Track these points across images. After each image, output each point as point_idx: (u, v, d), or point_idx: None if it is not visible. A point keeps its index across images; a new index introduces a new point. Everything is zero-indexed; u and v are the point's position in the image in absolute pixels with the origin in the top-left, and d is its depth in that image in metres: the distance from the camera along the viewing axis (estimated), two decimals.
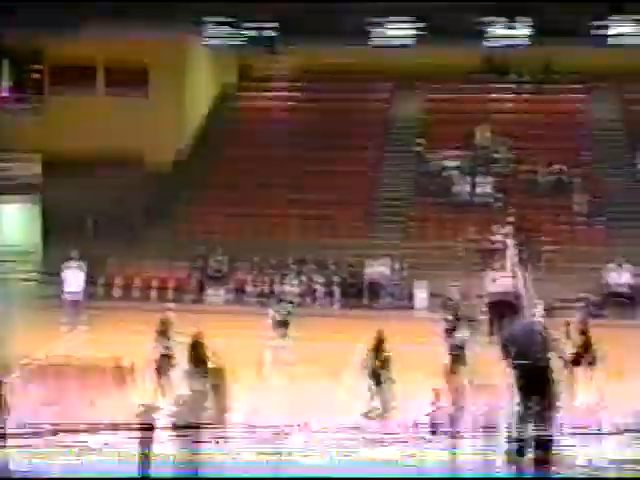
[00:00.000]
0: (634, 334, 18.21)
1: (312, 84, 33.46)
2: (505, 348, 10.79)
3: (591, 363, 14.11)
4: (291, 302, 19.38)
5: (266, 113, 33.08)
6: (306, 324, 18.00)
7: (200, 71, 32.91)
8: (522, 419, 10.23)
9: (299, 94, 34.19)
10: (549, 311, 15.35)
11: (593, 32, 29.09)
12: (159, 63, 30.34)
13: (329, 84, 32.59)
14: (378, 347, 13.80)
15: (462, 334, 14.77)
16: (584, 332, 14.37)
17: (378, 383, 13.53)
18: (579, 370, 13.80)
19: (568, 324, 14.29)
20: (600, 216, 26.84)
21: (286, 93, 34.45)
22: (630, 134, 30.50)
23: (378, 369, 13.58)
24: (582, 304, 22.64)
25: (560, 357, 10.67)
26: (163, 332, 14.74)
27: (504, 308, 18.04)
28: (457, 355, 14.53)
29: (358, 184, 29.19)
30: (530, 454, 9.89)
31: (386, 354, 13.74)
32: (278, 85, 34.60)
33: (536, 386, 10.39)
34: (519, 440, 10.08)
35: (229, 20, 30.28)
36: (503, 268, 19.77)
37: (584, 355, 14.07)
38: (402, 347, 14.63)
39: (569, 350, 13.31)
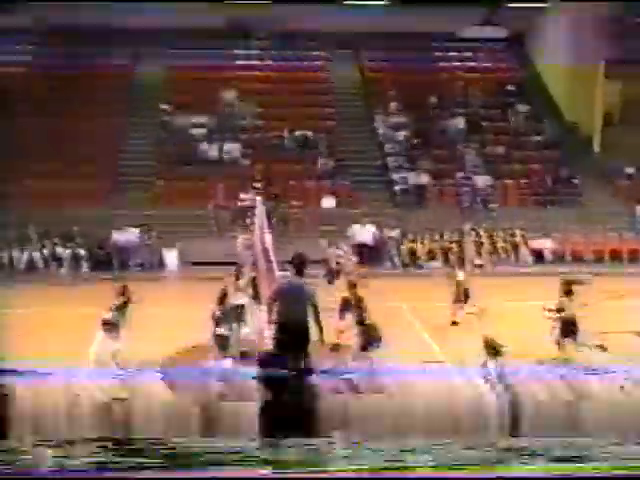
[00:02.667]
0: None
1: (48, 46, 31.61)
2: (269, 304, 10.93)
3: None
4: None
5: None
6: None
7: None
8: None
9: (34, 56, 32.21)
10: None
11: None
12: None
13: (69, 45, 30.90)
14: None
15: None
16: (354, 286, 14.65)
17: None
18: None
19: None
20: (343, 179, 27.70)
21: (19, 54, 32.30)
22: (368, 96, 31.71)
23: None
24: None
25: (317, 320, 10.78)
26: None
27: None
28: None
29: (102, 151, 28.03)
30: None
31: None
32: (9, 45, 32.32)
33: (294, 343, 10.54)
34: None
35: None
36: (251, 230, 19.83)
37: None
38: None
39: None
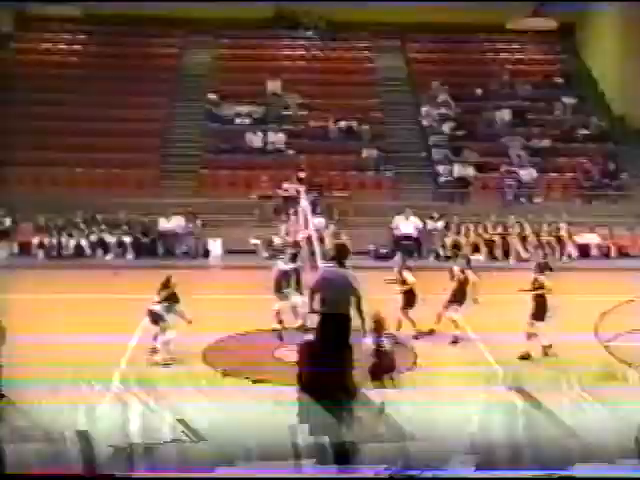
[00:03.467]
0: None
1: (98, 33, 32.11)
2: (312, 293, 10.87)
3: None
4: None
5: (49, 60, 31.30)
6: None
7: None
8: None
9: (84, 42, 32.75)
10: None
11: None
12: None
13: (116, 33, 31.43)
14: None
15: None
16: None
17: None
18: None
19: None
20: (387, 169, 27.65)
21: (71, 39, 32.83)
22: (414, 86, 31.63)
23: None
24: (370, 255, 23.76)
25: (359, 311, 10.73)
26: None
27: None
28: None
29: (149, 137, 28.40)
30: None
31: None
32: (61, 31, 32.87)
33: (336, 335, 10.51)
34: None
35: None
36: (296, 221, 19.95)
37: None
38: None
39: None
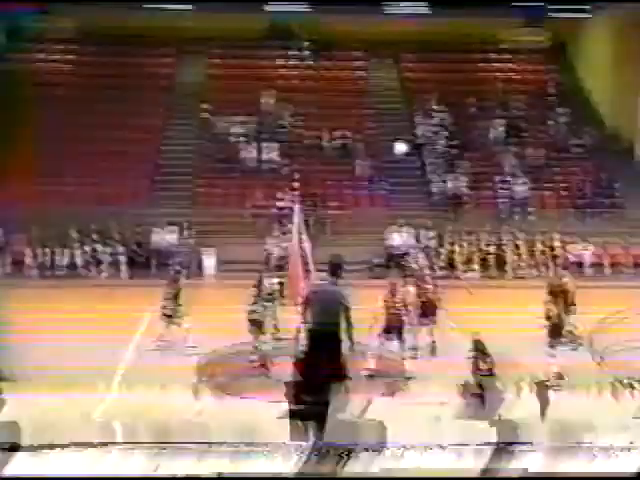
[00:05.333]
0: None
1: (91, 47, 32.06)
2: (303, 306, 10.73)
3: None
4: None
5: (41, 76, 31.15)
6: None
7: None
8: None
9: (78, 57, 32.71)
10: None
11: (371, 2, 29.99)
12: None
13: (109, 48, 31.35)
14: None
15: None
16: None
17: None
18: None
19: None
20: (381, 181, 27.69)
21: (64, 56, 32.80)
22: (408, 101, 31.69)
23: None
24: (365, 266, 23.72)
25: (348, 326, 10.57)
26: None
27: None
28: None
29: (142, 151, 28.39)
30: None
31: None
32: (53, 48, 32.83)
33: (325, 351, 10.39)
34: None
35: None
36: (289, 233, 19.96)
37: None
38: None
39: None
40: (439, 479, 8.77)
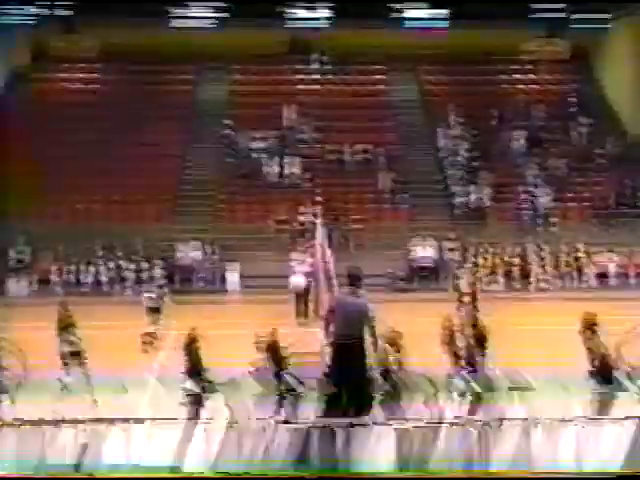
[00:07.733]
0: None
1: (115, 65, 32.37)
2: (325, 319, 10.72)
3: None
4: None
5: (66, 95, 31.58)
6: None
7: None
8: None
9: (101, 76, 33.05)
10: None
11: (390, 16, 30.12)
12: None
13: (133, 66, 31.68)
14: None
15: None
16: None
17: None
18: None
19: None
20: (404, 194, 27.69)
21: (87, 75, 33.14)
22: (428, 113, 31.70)
23: None
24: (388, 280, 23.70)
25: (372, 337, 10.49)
26: None
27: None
28: None
29: (165, 168, 28.61)
30: None
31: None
32: (78, 66, 33.17)
33: (347, 361, 10.37)
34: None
35: None
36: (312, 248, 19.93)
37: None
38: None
39: None
40: (439, 479, 8.90)
